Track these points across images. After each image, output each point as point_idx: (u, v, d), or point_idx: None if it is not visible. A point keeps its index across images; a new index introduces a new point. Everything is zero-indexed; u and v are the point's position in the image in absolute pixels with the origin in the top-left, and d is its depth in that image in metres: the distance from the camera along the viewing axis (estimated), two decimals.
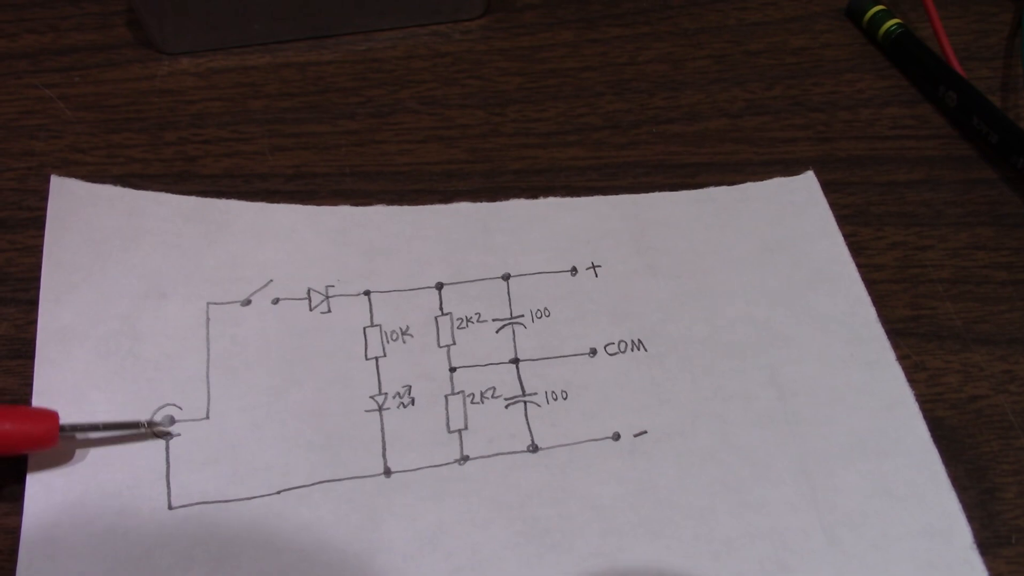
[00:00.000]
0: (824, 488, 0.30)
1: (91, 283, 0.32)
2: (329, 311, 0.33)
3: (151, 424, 0.30)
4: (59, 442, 0.29)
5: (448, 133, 0.39)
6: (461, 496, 0.30)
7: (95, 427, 0.29)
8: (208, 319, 0.32)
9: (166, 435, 0.30)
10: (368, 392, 0.31)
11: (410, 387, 0.32)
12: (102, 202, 0.34)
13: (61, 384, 0.30)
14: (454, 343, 0.33)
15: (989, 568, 0.29)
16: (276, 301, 0.33)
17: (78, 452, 0.29)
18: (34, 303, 0.32)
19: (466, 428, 0.31)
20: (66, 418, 0.29)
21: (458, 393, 0.32)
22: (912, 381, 0.32)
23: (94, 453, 0.29)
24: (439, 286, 0.34)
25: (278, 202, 0.36)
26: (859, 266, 0.35)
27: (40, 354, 0.31)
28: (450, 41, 0.42)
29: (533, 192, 0.37)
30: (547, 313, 0.34)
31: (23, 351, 0.31)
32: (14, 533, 0.28)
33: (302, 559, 0.28)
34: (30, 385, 0.30)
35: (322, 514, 0.29)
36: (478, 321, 0.33)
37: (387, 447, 0.30)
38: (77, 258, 0.33)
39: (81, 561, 0.27)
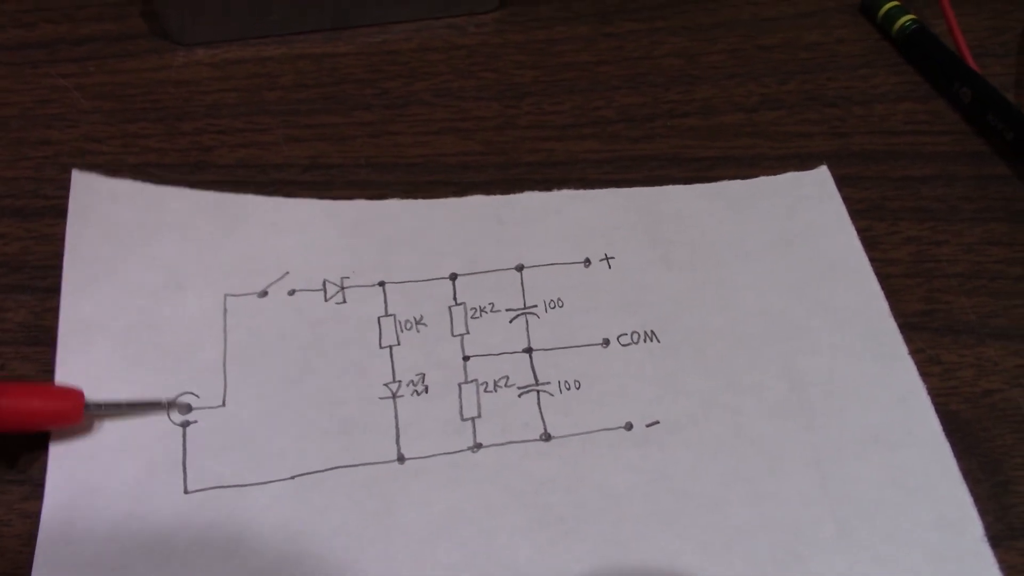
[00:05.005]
0: (836, 479, 0.30)
1: (112, 276, 0.33)
2: (344, 302, 0.33)
3: (172, 403, 0.30)
4: (83, 419, 0.29)
5: (463, 125, 0.39)
6: (474, 483, 0.30)
7: (118, 405, 0.30)
8: (225, 310, 0.33)
9: (185, 418, 0.30)
10: (382, 380, 0.32)
11: (424, 375, 0.32)
12: (122, 197, 0.35)
13: (82, 374, 0.30)
14: (468, 332, 0.33)
15: (1002, 560, 0.29)
16: (292, 292, 0.33)
17: (97, 438, 0.30)
18: (51, 291, 0.32)
19: (479, 416, 0.31)
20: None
21: (471, 381, 0.32)
22: (926, 375, 0.32)
23: (113, 439, 0.30)
24: (453, 277, 0.34)
25: (293, 192, 0.36)
26: (873, 260, 0.35)
27: (62, 344, 0.31)
28: (465, 34, 0.42)
29: (548, 184, 0.37)
30: (560, 304, 0.34)
31: (41, 338, 0.32)
32: (34, 518, 0.28)
33: (316, 544, 0.28)
34: (48, 371, 0.31)
35: (336, 499, 0.29)
36: (492, 311, 0.33)
37: (401, 434, 0.31)
38: (98, 252, 0.33)
39: (99, 544, 0.28)
